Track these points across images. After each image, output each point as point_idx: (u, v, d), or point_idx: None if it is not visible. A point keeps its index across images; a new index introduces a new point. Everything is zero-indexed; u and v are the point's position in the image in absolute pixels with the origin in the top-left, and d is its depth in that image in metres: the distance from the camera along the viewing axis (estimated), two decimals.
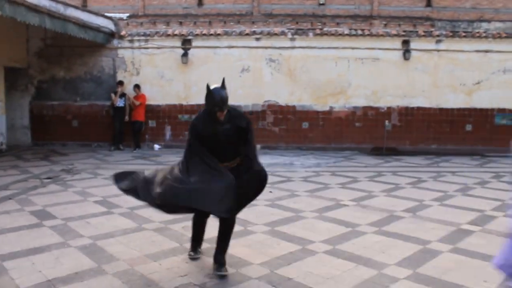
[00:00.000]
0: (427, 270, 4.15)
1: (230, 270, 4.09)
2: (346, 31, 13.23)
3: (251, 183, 4.12)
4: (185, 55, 12.97)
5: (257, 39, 13.09)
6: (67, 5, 10.87)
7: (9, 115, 12.77)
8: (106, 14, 13.24)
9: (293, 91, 13.04)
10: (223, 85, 4.05)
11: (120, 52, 13.16)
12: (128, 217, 5.81)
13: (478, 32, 13.39)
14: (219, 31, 13.34)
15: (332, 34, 13.05)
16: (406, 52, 12.89)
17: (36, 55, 13.21)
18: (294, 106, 13.07)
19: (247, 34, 13.13)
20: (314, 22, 14.60)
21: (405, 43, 12.97)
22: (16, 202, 6.48)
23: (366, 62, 12.95)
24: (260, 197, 6.96)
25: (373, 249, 4.69)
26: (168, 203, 4.05)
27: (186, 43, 13.05)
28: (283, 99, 13.04)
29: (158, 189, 4.03)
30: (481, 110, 13.00)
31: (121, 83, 12.61)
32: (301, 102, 13.05)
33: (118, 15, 14.03)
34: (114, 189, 7.38)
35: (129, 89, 12.76)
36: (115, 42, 13.11)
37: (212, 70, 12.85)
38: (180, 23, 14.57)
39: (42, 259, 4.27)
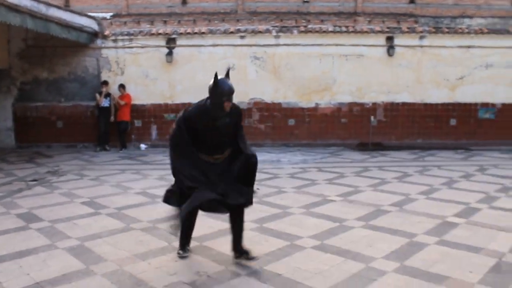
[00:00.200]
0: (414, 263, 4.21)
1: (219, 267, 4.11)
2: (331, 28, 13.30)
3: (243, 166, 4.19)
4: (169, 54, 12.92)
5: (242, 37, 13.08)
6: (49, 5, 10.75)
7: None
8: (89, 13, 13.11)
9: (278, 89, 13.07)
10: (227, 76, 4.12)
11: (104, 52, 13.05)
12: (116, 217, 5.78)
13: (460, 28, 13.57)
14: (203, 29, 13.31)
15: (317, 31, 13.11)
16: (390, 48, 12.99)
17: (18, 56, 13.02)
18: (279, 103, 13.10)
19: (231, 32, 13.12)
20: (298, 20, 14.62)
21: (389, 39, 13.07)
22: (2, 205, 6.40)
23: (351, 59, 13.02)
24: None
25: (361, 243, 4.73)
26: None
27: (170, 42, 13.00)
28: (268, 97, 13.06)
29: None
30: (465, 104, 13.16)
31: (105, 83, 12.52)
32: (287, 99, 13.09)
33: (101, 15, 13.90)
34: (101, 190, 7.41)
35: (114, 89, 12.67)
36: (98, 42, 13.00)
37: (197, 69, 12.82)
38: (165, 22, 14.48)
39: (30, 262, 4.23)
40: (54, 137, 13.07)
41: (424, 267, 4.10)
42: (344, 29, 13.25)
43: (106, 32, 13.14)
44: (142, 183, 8.00)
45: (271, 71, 13.05)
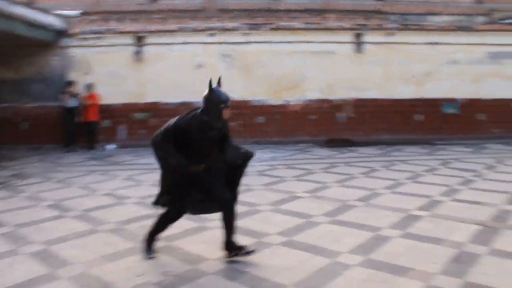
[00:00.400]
0: (379, 256, 4.30)
1: (186, 267, 4.12)
2: (300, 25, 13.39)
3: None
4: (139, 52, 12.81)
5: (212, 35, 13.07)
6: (13, 2, 10.48)
7: None
8: (56, 11, 12.85)
9: (248, 86, 13.10)
10: (219, 84, 4.18)
11: (71, 51, 12.84)
12: (82, 219, 5.70)
13: (428, 25, 13.86)
14: (173, 27, 13.23)
15: (287, 29, 13.20)
16: (359, 45, 13.18)
17: None
18: (249, 101, 13.14)
19: (201, 30, 13.09)
20: (268, 17, 14.67)
21: (358, 36, 13.26)
22: None
23: (321, 56, 13.16)
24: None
25: (327, 239, 4.81)
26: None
27: (140, 41, 12.88)
28: (238, 94, 13.01)
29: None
30: (431, 100, 13.46)
31: (71, 82, 12.30)
32: (257, 96, 13.14)
33: (69, 13, 13.63)
34: (67, 192, 7.30)
35: (81, 89, 12.47)
36: (65, 40, 12.76)
37: (167, 67, 12.76)
38: (134, 20, 14.33)
39: None
40: (19, 138, 12.78)
41: (388, 260, 4.19)
42: (313, 26, 13.37)
43: (73, 30, 12.92)
44: (110, 184, 7.90)
45: (241, 68, 13.07)
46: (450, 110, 13.48)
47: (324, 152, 11.70)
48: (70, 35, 12.78)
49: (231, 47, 13.05)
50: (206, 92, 4.11)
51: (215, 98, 4.03)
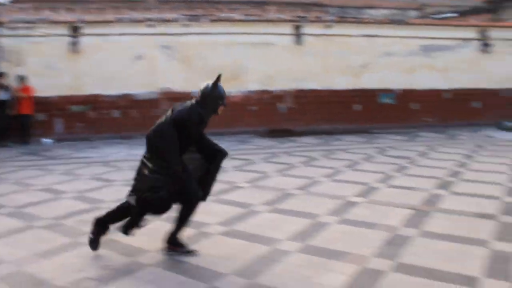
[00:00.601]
0: (316, 242, 4.44)
1: (125, 260, 4.08)
2: (241, 17, 13.41)
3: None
4: (75, 43, 12.35)
5: (151, 25, 12.82)
6: None
7: None
8: None
9: (188, 78, 12.93)
10: (219, 80, 4.11)
11: (1, 41, 12.17)
12: (15, 216, 5.47)
13: (365, 18, 14.28)
14: (110, 18, 12.87)
15: (227, 20, 13.18)
16: (299, 37, 13.37)
17: None
18: (190, 93, 12.97)
19: (140, 21, 12.80)
20: (209, 8, 14.61)
21: (297, 28, 13.44)
22: None
23: (260, 47, 13.23)
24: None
25: (267, 227, 4.90)
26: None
27: (75, 31, 12.41)
28: (179, 86, 12.90)
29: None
30: (368, 90, 13.88)
31: (1, 74, 11.69)
32: (197, 88, 12.91)
33: None
34: None
35: (13, 81, 11.87)
36: None
37: (105, 59, 12.39)
38: (69, 9, 13.81)
39: None
40: None
41: (326, 245, 4.34)
42: (253, 18, 13.43)
43: (2, 19, 12.25)
44: (46, 179, 7.61)
45: (181, 60, 12.92)
46: (386, 100, 13.99)
47: (265, 142, 11.83)
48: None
49: (171, 39, 12.86)
50: (206, 85, 4.10)
51: (217, 94, 4.07)
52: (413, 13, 18.52)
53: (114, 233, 4.71)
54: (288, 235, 4.63)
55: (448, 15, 19.23)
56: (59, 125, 12.51)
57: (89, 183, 7.23)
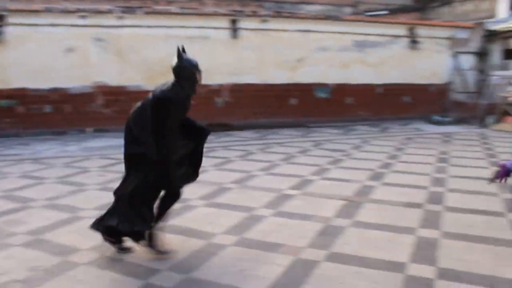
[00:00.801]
0: (252, 235, 4.51)
1: (56, 259, 3.95)
2: (176, 10, 13.22)
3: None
4: None
5: (83, 17, 12.32)
6: None
7: None
8: None
9: (123, 71, 12.63)
10: (184, 51, 3.96)
11: None
12: None
13: (300, 14, 14.50)
14: (38, 7, 12.23)
15: (162, 13, 12.94)
16: (235, 31, 13.38)
17: None
18: (125, 87, 12.68)
19: (71, 12, 12.27)
20: (145, 1, 14.28)
21: (234, 22, 13.44)
22: None
23: (197, 41, 13.08)
24: (89, 181, 6.75)
25: (203, 221, 4.92)
26: None
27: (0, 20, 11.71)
28: (113, 80, 12.54)
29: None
30: (303, 85, 14.11)
31: None
32: (133, 82, 12.68)
33: None
34: None
35: None
36: None
37: (33, 51, 11.79)
38: None
39: None
40: None
41: (261, 238, 4.42)
42: (190, 11, 13.28)
43: None
44: None
45: (115, 53, 12.54)
46: (322, 94, 14.32)
47: None
48: None
49: (104, 31, 12.44)
50: (174, 61, 3.93)
51: (186, 63, 3.91)
52: (347, 10, 19.09)
53: (44, 233, 4.56)
54: (224, 229, 4.66)
55: (380, 12, 19.99)
56: None
57: (18, 182, 6.89)
